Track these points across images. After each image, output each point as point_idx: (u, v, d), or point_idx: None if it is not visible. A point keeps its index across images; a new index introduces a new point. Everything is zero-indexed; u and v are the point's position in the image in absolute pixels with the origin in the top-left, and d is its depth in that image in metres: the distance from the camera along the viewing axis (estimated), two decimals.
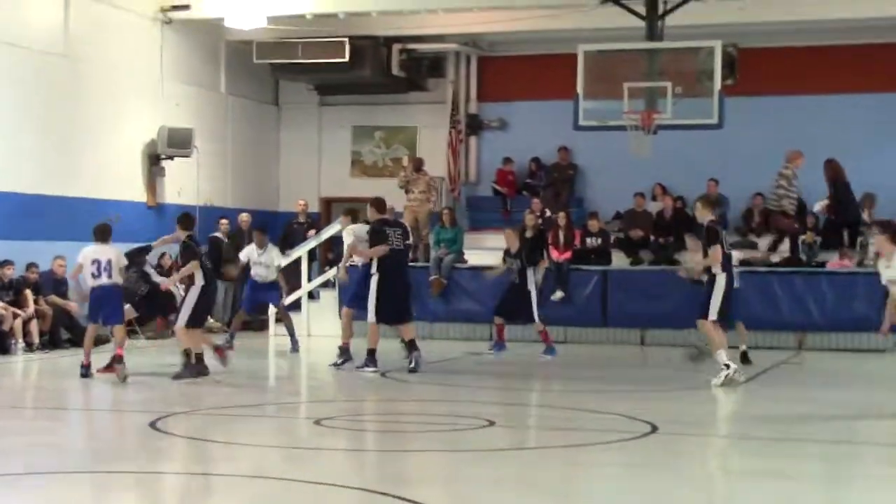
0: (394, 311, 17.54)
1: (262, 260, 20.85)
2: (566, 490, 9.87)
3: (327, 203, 28.30)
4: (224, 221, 24.66)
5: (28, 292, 20.05)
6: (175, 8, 24.34)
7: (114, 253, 16.51)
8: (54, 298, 20.50)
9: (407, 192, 24.69)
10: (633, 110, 20.15)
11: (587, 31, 22.92)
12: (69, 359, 19.33)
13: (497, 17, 24.33)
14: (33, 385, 17.75)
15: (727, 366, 15.88)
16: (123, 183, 23.56)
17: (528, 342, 20.49)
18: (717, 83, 19.79)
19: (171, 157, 24.30)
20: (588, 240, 23.35)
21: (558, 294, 22.63)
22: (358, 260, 18.39)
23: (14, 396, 16.25)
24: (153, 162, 24.23)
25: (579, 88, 20.32)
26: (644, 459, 11.08)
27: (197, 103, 25.66)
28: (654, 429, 12.39)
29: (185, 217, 17.47)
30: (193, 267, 16.64)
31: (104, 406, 14.89)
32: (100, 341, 18.46)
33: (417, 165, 25.02)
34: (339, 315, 19.79)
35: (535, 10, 23.44)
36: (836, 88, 25.12)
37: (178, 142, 24.17)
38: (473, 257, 23.53)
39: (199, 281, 16.67)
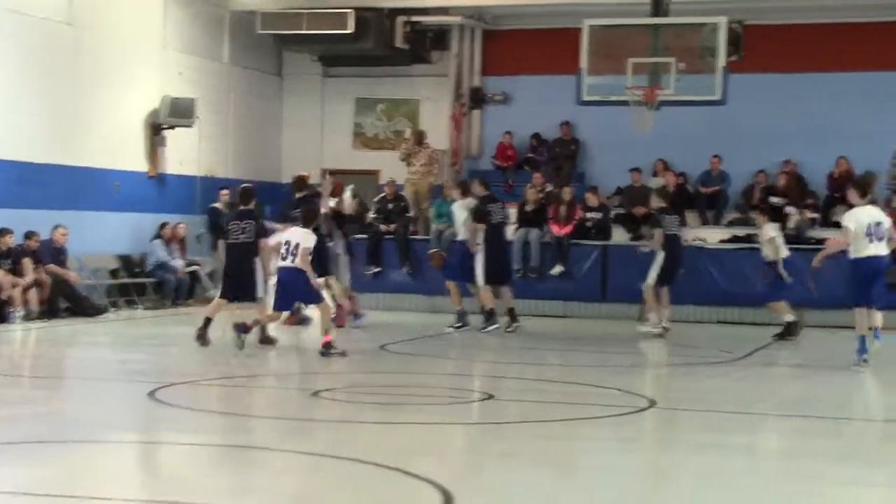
0: (497, 273, 19.43)
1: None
2: (564, 463, 9.89)
3: (329, 175, 28.22)
4: (225, 192, 24.62)
5: (27, 261, 19.99)
6: None
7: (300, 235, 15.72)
8: (53, 268, 20.46)
9: (408, 164, 24.70)
10: (636, 86, 20.12)
11: (592, 6, 22.84)
12: (67, 328, 19.40)
13: None
14: (32, 353, 17.75)
15: (658, 323, 19.05)
16: (125, 152, 23.52)
17: (523, 315, 20.44)
18: (722, 59, 19.77)
19: (172, 127, 24.24)
20: (588, 214, 23.32)
21: (558, 269, 22.64)
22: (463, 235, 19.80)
23: (13, 365, 16.28)
24: (155, 131, 24.18)
25: (583, 63, 20.30)
26: (642, 434, 11.10)
27: (200, 73, 25.60)
28: (653, 403, 12.41)
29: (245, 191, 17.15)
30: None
31: (103, 375, 14.89)
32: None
33: (419, 138, 25.00)
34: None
35: None
36: (840, 66, 25.08)
37: (181, 111, 24.12)
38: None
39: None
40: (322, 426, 11.40)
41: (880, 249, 15.39)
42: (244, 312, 17.06)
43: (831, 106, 25.06)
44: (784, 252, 18.94)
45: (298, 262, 15.47)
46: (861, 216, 15.37)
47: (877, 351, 15.53)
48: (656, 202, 19.75)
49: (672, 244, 19.38)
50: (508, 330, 19.37)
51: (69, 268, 20.88)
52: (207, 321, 16.51)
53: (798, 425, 11.88)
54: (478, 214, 19.41)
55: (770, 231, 19.12)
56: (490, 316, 19.57)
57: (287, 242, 15.62)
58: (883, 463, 10.21)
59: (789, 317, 18.92)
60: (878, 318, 15.83)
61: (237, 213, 16.98)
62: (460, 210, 20.13)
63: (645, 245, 20.05)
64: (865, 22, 25.04)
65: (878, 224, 15.37)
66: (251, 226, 16.47)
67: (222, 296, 16.78)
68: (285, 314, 17.49)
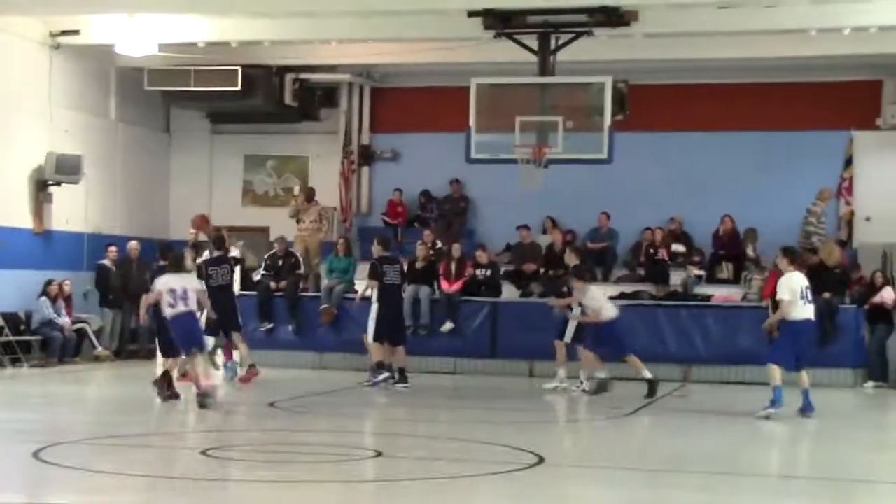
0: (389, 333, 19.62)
1: None
2: None
3: (218, 231, 28.05)
4: (112, 249, 24.42)
5: None
6: (64, 33, 24.02)
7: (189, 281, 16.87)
8: None
9: (298, 221, 24.66)
10: (524, 144, 20.30)
11: (480, 65, 23.07)
12: None
13: (390, 49, 24.39)
14: None
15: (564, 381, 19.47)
16: (9, 209, 23.18)
17: (413, 372, 20.46)
18: (608, 118, 20.03)
19: (59, 184, 23.96)
20: (478, 271, 23.44)
21: (448, 325, 22.71)
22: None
23: None
24: (40, 188, 23.87)
25: (472, 121, 20.44)
26: (531, 490, 11.14)
27: (86, 129, 25.36)
28: (541, 460, 12.47)
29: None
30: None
31: None
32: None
33: (309, 195, 25.00)
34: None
35: (429, 42, 23.55)
36: (723, 126, 25.61)
37: (67, 168, 23.86)
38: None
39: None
40: (211, 485, 11.28)
41: (811, 313, 16.76)
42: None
43: (715, 164, 25.54)
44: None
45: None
46: (794, 283, 16.64)
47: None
48: (571, 259, 19.95)
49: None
50: (398, 386, 19.34)
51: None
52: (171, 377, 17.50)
53: (688, 481, 12.00)
54: (371, 272, 19.64)
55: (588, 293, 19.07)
56: (376, 369, 19.62)
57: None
58: None
59: (602, 373, 18.96)
60: (805, 378, 16.86)
61: (215, 259, 19.05)
62: None
63: (561, 303, 19.90)
64: (747, 83, 25.61)
65: (807, 288, 16.71)
66: (227, 269, 18.92)
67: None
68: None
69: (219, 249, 19.36)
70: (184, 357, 16.91)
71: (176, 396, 17.28)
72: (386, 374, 19.53)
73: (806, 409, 16.75)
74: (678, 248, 23.92)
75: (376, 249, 19.92)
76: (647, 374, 18.79)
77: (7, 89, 23.15)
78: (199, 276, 18.66)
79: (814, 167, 25.11)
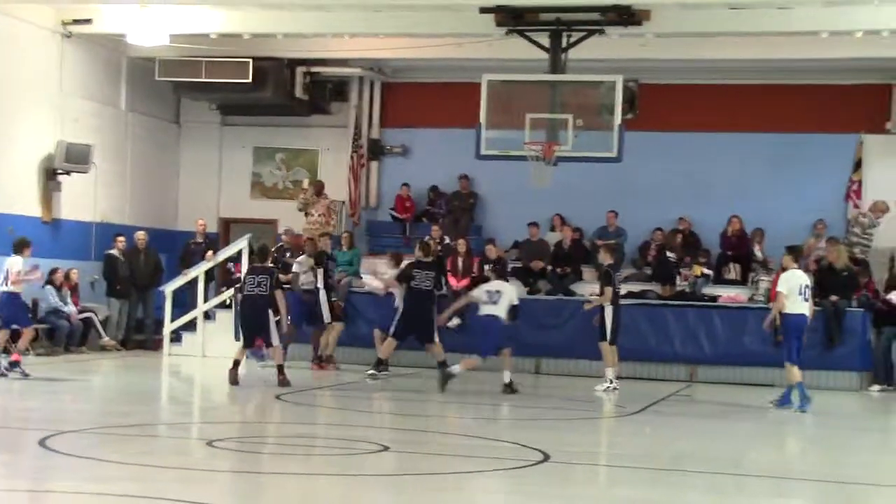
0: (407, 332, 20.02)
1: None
2: None
3: (226, 223, 28.15)
4: (120, 239, 24.46)
5: None
6: (76, 22, 24.06)
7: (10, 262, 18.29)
8: None
9: (306, 214, 24.67)
10: (534, 141, 20.31)
11: (491, 61, 23.10)
12: None
13: (402, 44, 24.41)
14: None
15: (611, 381, 19.17)
16: (18, 197, 23.22)
17: (419, 368, 20.51)
18: (618, 117, 20.03)
19: (68, 173, 23.99)
20: (486, 266, 23.42)
21: (455, 321, 22.67)
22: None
23: None
24: (49, 176, 23.90)
25: (482, 118, 20.45)
26: (536, 488, 11.15)
27: (97, 119, 25.39)
28: (546, 457, 12.49)
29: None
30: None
31: None
32: None
33: (318, 189, 25.01)
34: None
35: (440, 38, 23.58)
36: (733, 127, 25.56)
37: (76, 157, 23.89)
38: (372, 281, 23.48)
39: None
40: (218, 476, 11.30)
41: (806, 309, 17.57)
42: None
43: (724, 165, 25.53)
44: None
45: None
46: (793, 279, 17.48)
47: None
48: (606, 258, 19.82)
49: (617, 299, 19.67)
50: (443, 373, 19.12)
51: None
52: (236, 363, 18.41)
53: (691, 481, 12.00)
54: (400, 274, 20.17)
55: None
56: (378, 364, 19.92)
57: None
58: None
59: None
60: (797, 373, 17.53)
61: (252, 269, 19.03)
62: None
63: (589, 303, 19.99)
64: (758, 84, 25.58)
65: (807, 286, 17.55)
66: (266, 280, 18.52)
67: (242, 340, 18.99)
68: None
69: (262, 261, 19.30)
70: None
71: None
72: (381, 371, 19.93)
73: (783, 403, 17.69)
74: (671, 256, 23.86)
75: (417, 254, 20.42)
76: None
77: (18, 77, 23.18)
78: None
79: (823, 170, 25.14)
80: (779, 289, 17.64)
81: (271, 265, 19.34)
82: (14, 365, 18.12)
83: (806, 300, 17.55)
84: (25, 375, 18.03)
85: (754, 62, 24.20)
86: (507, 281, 19.75)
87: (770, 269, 22.87)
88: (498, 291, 18.84)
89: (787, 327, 17.54)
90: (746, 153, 25.50)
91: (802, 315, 17.52)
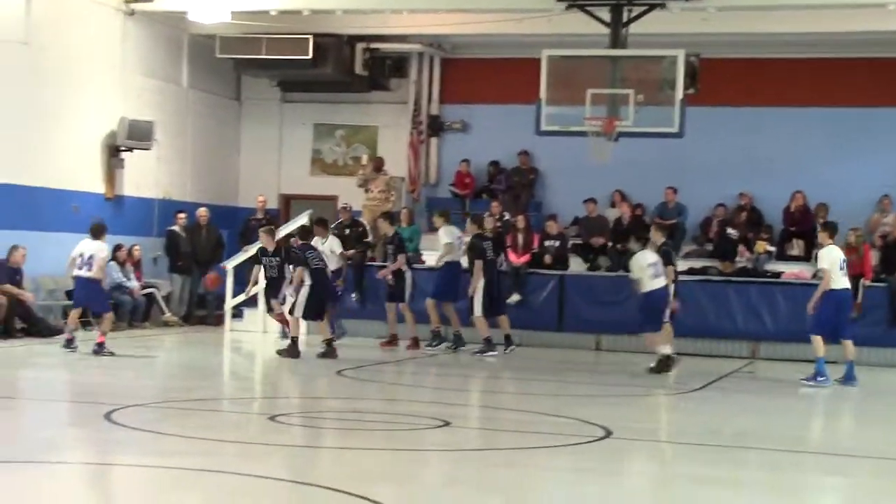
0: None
1: (323, 249, 20.55)
2: (519, 492, 9.90)
3: (286, 200, 28.25)
4: (182, 215, 24.63)
5: None
6: (138, 0, 24.24)
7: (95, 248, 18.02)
8: (9, 287, 20.34)
9: (366, 191, 24.71)
10: (594, 116, 20.21)
11: (551, 37, 22.99)
12: (22, 349, 19.27)
13: (461, 20, 24.36)
14: None
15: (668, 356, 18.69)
16: (82, 174, 23.43)
17: (480, 343, 20.49)
18: (679, 92, 19.89)
19: (130, 150, 24.16)
20: (546, 243, 23.40)
21: (515, 297, 22.67)
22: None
23: None
24: (112, 153, 24.09)
25: (542, 93, 20.35)
26: (597, 464, 11.13)
27: (158, 96, 25.55)
28: (608, 433, 12.46)
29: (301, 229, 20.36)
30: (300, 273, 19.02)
31: (57, 397, 14.81)
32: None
33: (377, 165, 25.04)
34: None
35: (500, 13, 23.49)
36: (795, 101, 25.31)
37: (139, 134, 24.05)
38: (431, 258, 23.49)
39: (308, 280, 18.85)
40: (280, 450, 11.37)
41: (848, 283, 17.72)
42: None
43: (786, 140, 25.30)
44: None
45: None
46: (834, 255, 17.57)
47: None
48: (658, 237, 19.34)
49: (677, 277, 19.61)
50: (506, 351, 20.50)
51: (25, 288, 20.75)
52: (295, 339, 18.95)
53: (753, 458, 11.94)
54: (476, 251, 20.40)
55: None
56: (488, 343, 20.41)
57: None
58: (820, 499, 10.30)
59: (666, 349, 18.64)
60: (851, 348, 17.60)
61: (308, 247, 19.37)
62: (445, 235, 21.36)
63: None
64: (821, 58, 25.28)
65: (844, 260, 17.67)
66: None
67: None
68: None
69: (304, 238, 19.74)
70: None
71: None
72: (493, 352, 20.39)
73: (847, 380, 17.57)
74: (732, 232, 23.70)
75: (471, 228, 20.75)
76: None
77: (82, 55, 23.36)
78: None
79: (888, 144, 24.84)
80: (822, 265, 17.64)
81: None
82: (101, 346, 18.09)
83: (846, 275, 17.67)
84: (111, 354, 18.05)
85: (817, 35, 23.94)
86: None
87: None
88: (656, 263, 18.53)
89: (836, 302, 17.44)
90: (809, 128, 25.25)
91: (847, 289, 17.65)
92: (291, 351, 18.86)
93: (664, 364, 18.45)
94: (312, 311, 19.15)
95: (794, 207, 24.06)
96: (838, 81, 25.16)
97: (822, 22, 23.09)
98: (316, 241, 20.64)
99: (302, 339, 19.57)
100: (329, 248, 20.68)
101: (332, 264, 20.25)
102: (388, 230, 21.82)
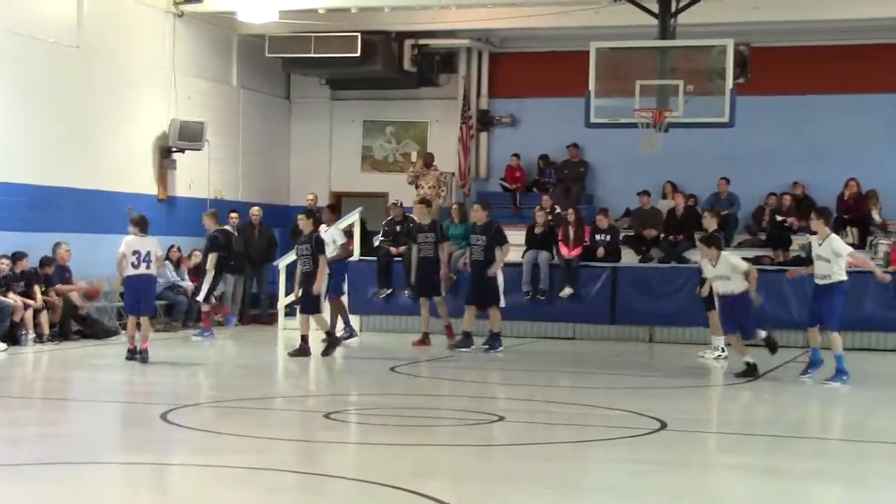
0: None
1: (326, 237, 20.22)
2: (575, 485, 9.90)
3: (337, 197, 28.30)
4: (234, 215, 24.70)
5: (36, 287, 19.92)
6: (188, 1, 24.38)
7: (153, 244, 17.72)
8: (61, 287, 20.48)
9: (417, 187, 24.76)
10: (644, 108, 20.12)
11: (599, 29, 22.94)
12: (78, 350, 19.44)
13: (509, 14, 24.33)
14: (43, 376, 17.78)
15: (721, 349, 19.13)
16: (134, 175, 23.59)
17: (532, 338, 20.52)
18: (729, 82, 19.76)
19: (182, 150, 24.32)
20: (597, 236, 23.32)
21: (567, 291, 22.62)
22: None
23: (24, 387, 16.32)
24: (164, 155, 24.26)
25: (591, 86, 20.28)
26: (653, 456, 11.10)
27: (209, 97, 25.69)
28: (663, 425, 12.42)
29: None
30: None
31: (114, 397, 14.92)
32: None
33: (427, 161, 25.08)
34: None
35: (547, 6, 23.48)
36: (846, 88, 25.13)
37: (190, 135, 24.20)
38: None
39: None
40: (335, 447, 11.41)
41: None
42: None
43: (838, 128, 25.13)
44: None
45: None
46: (845, 242, 17.14)
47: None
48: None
49: None
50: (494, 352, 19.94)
51: (73, 283, 20.89)
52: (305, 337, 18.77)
53: (809, 448, 11.87)
54: (502, 236, 20.03)
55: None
56: (494, 336, 20.08)
57: None
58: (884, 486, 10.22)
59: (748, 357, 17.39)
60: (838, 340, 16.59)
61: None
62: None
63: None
64: (872, 44, 25.08)
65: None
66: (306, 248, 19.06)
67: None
68: None
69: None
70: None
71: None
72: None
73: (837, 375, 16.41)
74: (787, 221, 23.59)
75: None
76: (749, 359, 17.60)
77: (132, 57, 23.52)
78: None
79: None
80: (844, 252, 16.57)
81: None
82: (144, 353, 17.84)
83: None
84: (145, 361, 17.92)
85: (867, 21, 23.72)
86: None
87: (889, 233, 22.48)
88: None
89: (846, 293, 16.72)
90: (861, 115, 25.06)
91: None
92: (303, 350, 18.67)
93: (749, 371, 17.24)
94: (311, 304, 18.82)
95: (847, 195, 23.86)
96: (889, 68, 24.93)
97: (871, 8, 22.90)
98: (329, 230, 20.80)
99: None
100: (331, 237, 20.63)
101: (330, 253, 19.96)
102: (423, 218, 21.05)
